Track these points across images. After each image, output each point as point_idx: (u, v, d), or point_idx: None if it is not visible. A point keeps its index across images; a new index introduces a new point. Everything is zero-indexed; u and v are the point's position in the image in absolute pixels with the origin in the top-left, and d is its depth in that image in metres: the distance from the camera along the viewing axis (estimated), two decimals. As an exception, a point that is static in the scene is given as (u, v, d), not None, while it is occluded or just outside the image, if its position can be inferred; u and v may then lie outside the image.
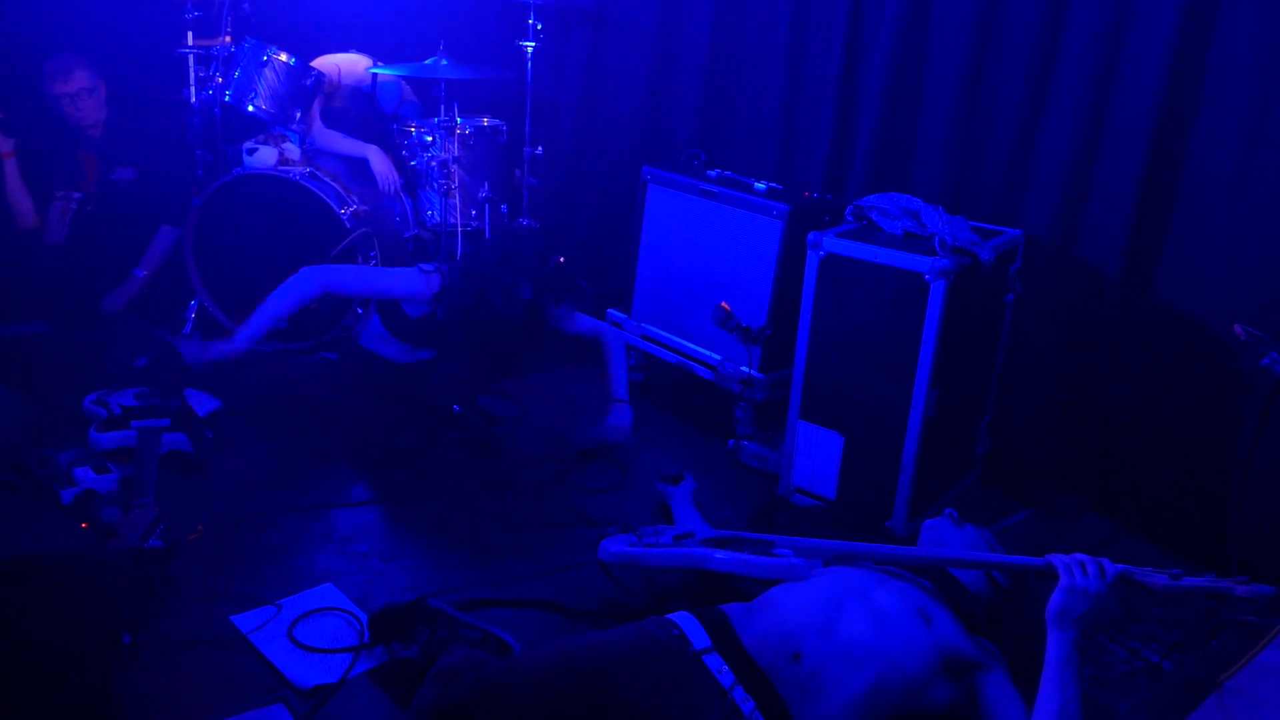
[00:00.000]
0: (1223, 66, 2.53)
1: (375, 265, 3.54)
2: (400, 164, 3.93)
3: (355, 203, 3.56)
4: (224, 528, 2.52)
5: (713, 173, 3.33)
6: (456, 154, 3.81)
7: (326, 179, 3.57)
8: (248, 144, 3.63)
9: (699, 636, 1.77)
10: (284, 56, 3.57)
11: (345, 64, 3.99)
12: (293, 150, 3.71)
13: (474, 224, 3.98)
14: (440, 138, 3.80)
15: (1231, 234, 2.55)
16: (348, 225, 3.45)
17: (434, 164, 3.83)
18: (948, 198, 3.02)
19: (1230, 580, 1.77)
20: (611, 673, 1.69)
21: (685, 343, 3.35)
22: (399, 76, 4.02)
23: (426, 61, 3.73)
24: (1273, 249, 2.47)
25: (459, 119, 3.81)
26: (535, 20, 3.87)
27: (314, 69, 3.66)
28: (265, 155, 3.59)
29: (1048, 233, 2.87)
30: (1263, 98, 2.46)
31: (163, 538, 2.24)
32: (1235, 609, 1.77)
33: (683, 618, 1.82)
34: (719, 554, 2.08)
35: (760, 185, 3.18)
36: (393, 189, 3.87)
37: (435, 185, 3.86)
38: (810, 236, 2.69)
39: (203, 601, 2.22)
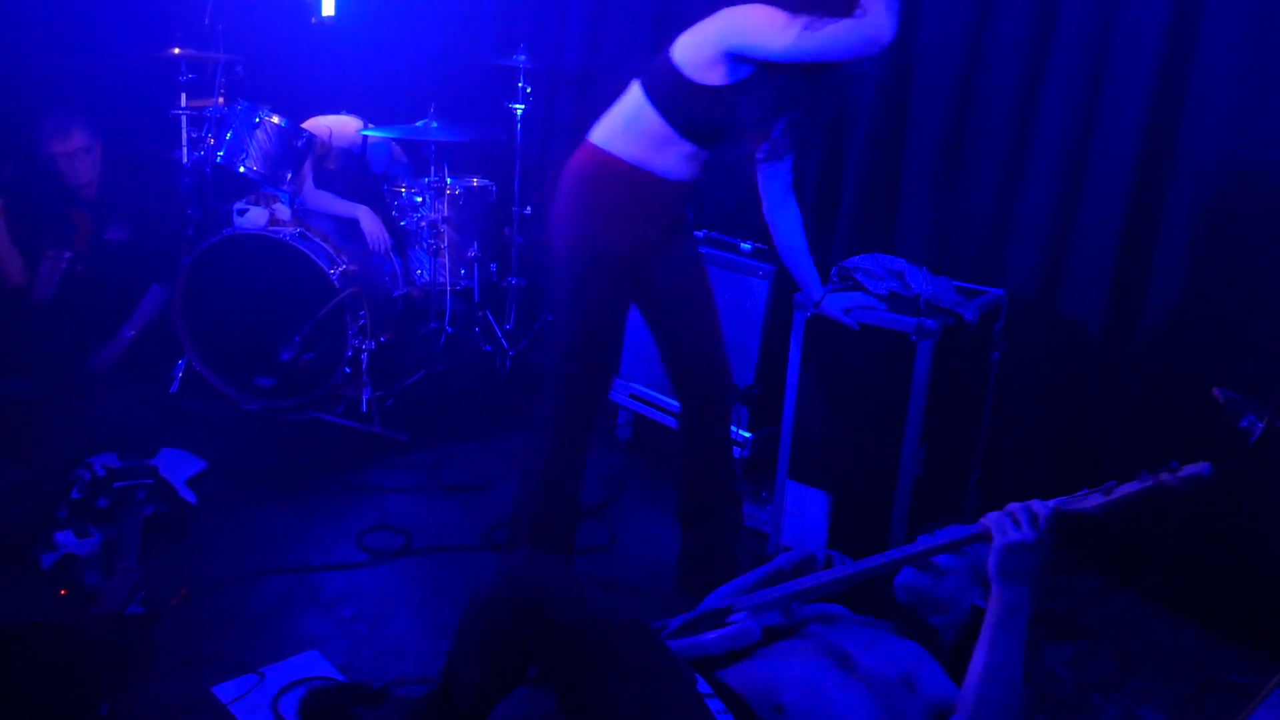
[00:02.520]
0: (1197, 129, 2.59)
1: (364, 324, 3.55)
2: (390, 224, 3.96)
3: (345, 262, 3.58)
4: (208, 591, 2.49)
5: (699, 233, 3.37)
6: (446, 214, 3.86)
7: (316, 239, 3.59)
8: (238, 204, 3.66)
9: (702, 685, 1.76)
10: (275, 118, 3.62)
11: (336, 125, 4.05)
12: (283, 210, 3.74)
13: (463, 283, 4.01)
14: (430, 198, 3.85)
15: (1207, 289, 2.59)
16: (337, 285, 3.46)
17: (424, 224, 3.87)
18: (931, 258, 3.06)
19: (1161, 472, 1.64)
20: None
21: (674, 401, 3.34)
22: (389, 138, 4.08)
23: (417, 123, 3.79)
24: (1248, 304, 2.51)
25: (449, 179, 3.86)
26: (524, 83, 3.94)
27: (305, 130, 3.71)
28: (256, 216, 3.62)
29: (1031, 291, 2.91)
30: (1233, 161, 2.52)
31: (144, 603, 2.21)
32: (1174, 497, 1.64)
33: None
34: (675, 644, 2.02)
35: (746, 245, 3.22)
36: (383, 248, 3.89)
37: (425, 244, 3.90)
38: (797, 297, 2.71)
39: (184, 668, 2.18)
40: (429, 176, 3.84)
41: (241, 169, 3.62)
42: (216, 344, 3.61)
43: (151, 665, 2.16)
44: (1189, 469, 1.59)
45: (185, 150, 3.79)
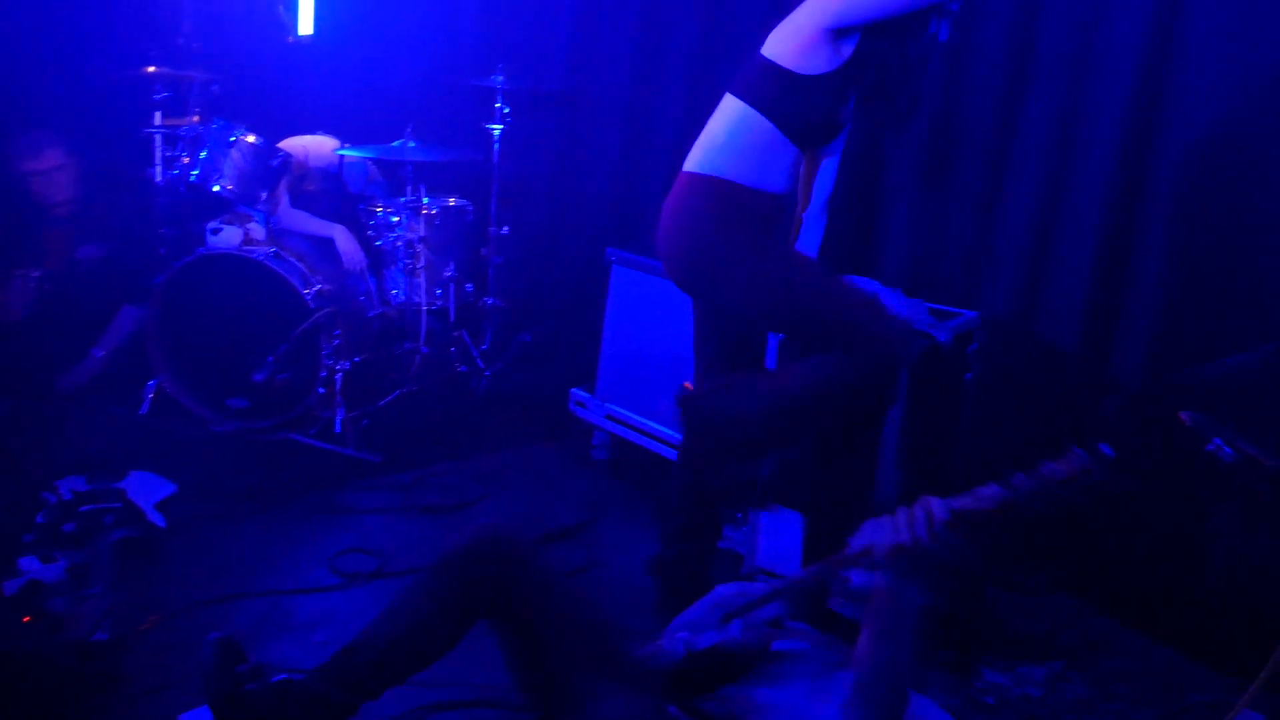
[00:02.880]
0: (1171, 154, 2.63)
1: (339, 344, 3.53)
2: (366, 243, 3.95)
3: (320, 282, 3.56)
4: (177, 617, 2.45)
5: (675, 254, 3.38)
6: (422, 233, 3.85)
7: (291, 258, 3.57)
8: (212, 224, 3.64)
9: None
10: (251, 137, 3.60)
11: (313, 145, 4.04)
12: (258, 230, 3.72)
13: (439, 303, 4.00)
14: (406, 217, 3.84)
15: (1181, 311, 2.63)
16: (311, 305, 3.44)
17: (400, 243, 3.86)
18: (906, 281, 3.08)
19: (1071, 464, 1.61)
20: None
21: (650, 422, 3.35)
22: (366, 157, 4.07)
23: (394, 143, 3.78)
24: (1220, 326, 2.55)
25: (425, 199, 3.86)
26: (502, 104, 3.95)
27: (281, 150, 3.70)
28: (230, 235, 3.60)
29: (1005, 313, 2.94)
30: (1207, 186, 2.56)
31: (111, 630, 2.18)
32: (1088, 488, 1.60)
33: None
34: None
35: (723, 266, 3.22)
36: (358, 268, 3.88)
37: (401, 264, 3.89)
38: (772, 318, 2.72)
39: (153, 696, 2.14)
40: (405, 196, 3.83)
41: (216, 188, 3.59)
42: (189, 364, 3.58)
43: (119, 693, 2.13)
44: (1086, 455, 1.57)
45: (159, 169, 3.77)
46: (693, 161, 2.34)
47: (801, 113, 2.23)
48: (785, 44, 2.21)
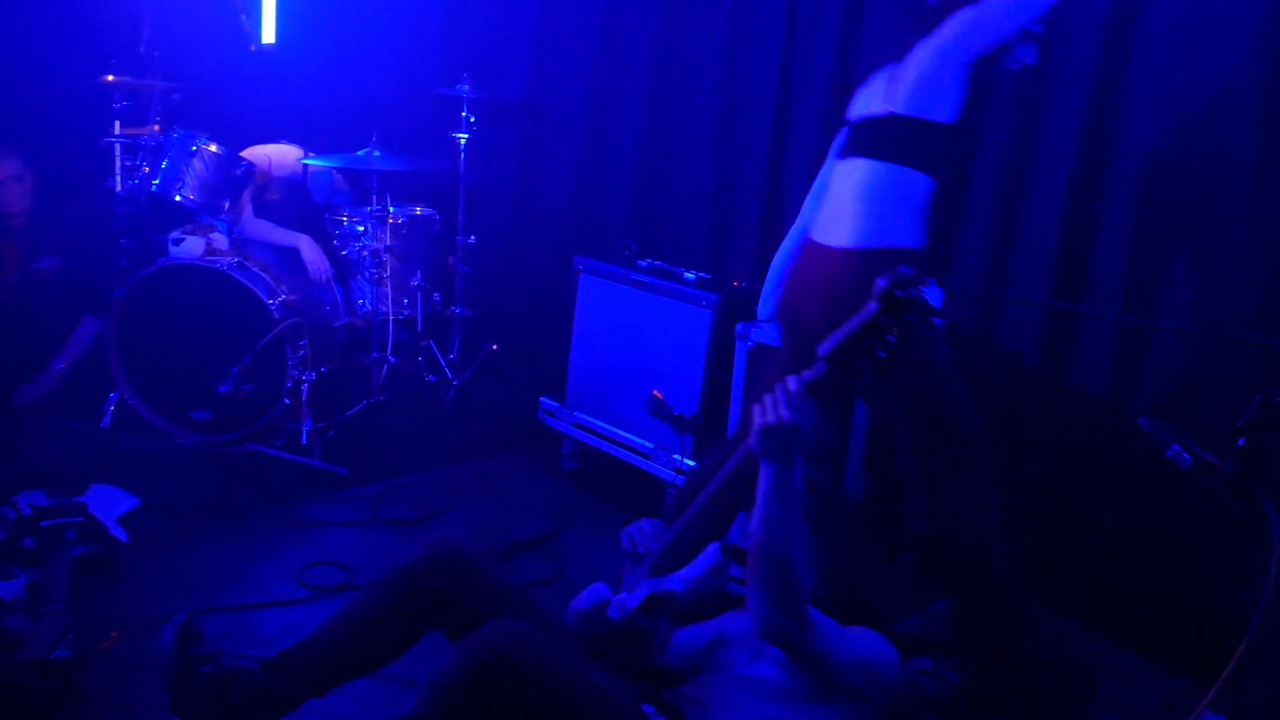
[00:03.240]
0: (1128, 163, 2.68)
1: (304, 355, 3.49)
2: (332, 253, 3.92)
3: (285, 292, 3.53)
4: (140, 634, 2.42)
5: (643, 262, 3.39)
6: (389, 243, 3.83)
7: (255, 269, 3.54)
8: (174, 234, 3.60)
9: None
10: (213, 147, 3.56)
11: (276, 154, 4.00)
12: (221, 240, 3.68)
13: (406, 312, 3.99)
14: (372, 227, 3.83)
15: (1134, 324, 2.68)
16: (276, 315, 3.41)
17: (365, 253, 3.84)
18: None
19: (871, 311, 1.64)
20: None
21: (618, 430, 3.36)
22: (331, 167, 4.04)
23: (359, 152, 3.76)
24: (1174, 339, 2.61)
25: (392, 208, 3.84)
26: (468, 113, 3.95)
27: (244, 159, 3.66)
28: (192, 245, 3.56)
29: (966, 321, 2.98)
30: (1162, 187, 2.62)
31: (72, 647, 2.14)
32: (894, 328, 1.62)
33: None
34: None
35: (690, 275, 3.25)
36: (324, 278, 3.85)
37: (367, 274, 3.87)
38: (739, 327, 2.74)
39: (114, 715, 2.12)
40: (371, 205, 3.82)
41: (178, 198, 3.56)
42: (151, 377, 3.53)
43: (80, 712, 2.10)
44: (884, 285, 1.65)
45: (119, 178, 3.72)
46: (841, 235, 2.14)
47: (955, 161, 2.15)
48: (922, 94, 2.08)
